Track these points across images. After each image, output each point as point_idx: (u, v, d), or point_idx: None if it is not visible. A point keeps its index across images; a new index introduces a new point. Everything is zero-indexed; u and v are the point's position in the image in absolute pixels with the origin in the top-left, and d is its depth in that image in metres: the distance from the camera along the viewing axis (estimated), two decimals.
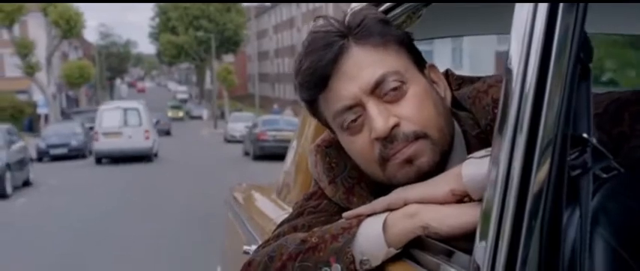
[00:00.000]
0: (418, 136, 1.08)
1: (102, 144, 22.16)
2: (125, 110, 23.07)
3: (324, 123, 1.20)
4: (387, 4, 1.40)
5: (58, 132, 25.06)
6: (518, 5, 0.82)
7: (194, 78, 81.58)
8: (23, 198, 14.30)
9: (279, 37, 70.91)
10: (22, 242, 9.32)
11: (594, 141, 0.76)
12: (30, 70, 33.75)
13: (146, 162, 21.91)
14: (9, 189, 14.26)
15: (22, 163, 15.96)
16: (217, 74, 53.39)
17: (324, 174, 1.23)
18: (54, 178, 17.88)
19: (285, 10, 67.79)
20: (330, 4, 47.32)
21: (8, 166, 14.35)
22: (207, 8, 58.94)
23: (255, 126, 23.36)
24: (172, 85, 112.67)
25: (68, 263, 7.81)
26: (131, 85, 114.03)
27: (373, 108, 1.08)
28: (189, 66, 73.09)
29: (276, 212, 2.04)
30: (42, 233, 9.92)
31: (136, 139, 22.19)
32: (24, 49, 33.39)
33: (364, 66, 1.09)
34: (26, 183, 16.14)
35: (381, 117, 1.07)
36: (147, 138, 22.52)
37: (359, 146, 1.12)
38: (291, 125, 22.48)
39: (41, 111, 33.76)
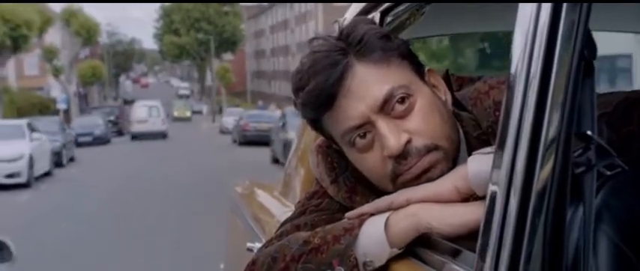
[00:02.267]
0: (430, 149, 1.07)
1: (135, 128, 35.22)
2: (150, 107, 36.33)
3: (328, 137, 1.19)
4: (387, 4, 1.40)
5: (83, 124, 31.54)
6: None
7: (196, 75, 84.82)
8: (74, 168, 20.54)
9: (275, 37, 73.95)
10: (81, 192, 14.56)
11: (597, 138, 0.76)
12: (56, 72, 39.95)
13: (162, 139, 33.45)
14: (65, 161, 20.59)
15: (70, 144, 22.39)
16: (216, 72, 59.25)
17: (325, 173, 1.23)
18: (91, 156, 24.28)
19: (280, 12, 70.75)
20: (320, 9, 52.75)
21: (64, 145, 20.67)
22: (206, 11, 64.15)
23: (241, 119, 29.39)
24: (175, 81, 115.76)
25: (112, 203, 12.59)
26: (135, 81, 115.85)
27: (383, 126, 1.07)
28: (191, 63, 77.96)
29: (278, 209, 2.05)
30: (92, 187, 15.23)
31: (156, 124, 35.05)
32: (50, 54, 39.57)
33: (370, 84, 1.08)
34: (72, 159, 22.40)
35: (393, 135, 1.06)
36: (163, 123, 35.71)
37: (370, 163, 1.12)
38: (270, 118, 28.23)
39: (60, 106, 39.16)
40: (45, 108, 39.48)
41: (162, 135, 34.53)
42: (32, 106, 37.92)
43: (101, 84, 68.41)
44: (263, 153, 20.77)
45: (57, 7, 44.23)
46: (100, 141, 30.88)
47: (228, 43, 65.77)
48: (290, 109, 19.96)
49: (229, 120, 36.70)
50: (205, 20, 64.21)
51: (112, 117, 38.59)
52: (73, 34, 41.71)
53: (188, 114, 55.29)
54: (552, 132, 0.74)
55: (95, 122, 32.27)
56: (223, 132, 36.87)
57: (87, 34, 41.51)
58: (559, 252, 0.75)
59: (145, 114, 35.47)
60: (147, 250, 7.96)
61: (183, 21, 65.49)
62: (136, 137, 34.60)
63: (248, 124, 27.54)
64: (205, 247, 6.72)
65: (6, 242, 2.86)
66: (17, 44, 29.91)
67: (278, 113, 28.93)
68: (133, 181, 16.16)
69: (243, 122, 28.12)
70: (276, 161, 18.69)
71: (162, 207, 11.65)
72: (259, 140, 25.08)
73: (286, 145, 16.73)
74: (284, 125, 18.48)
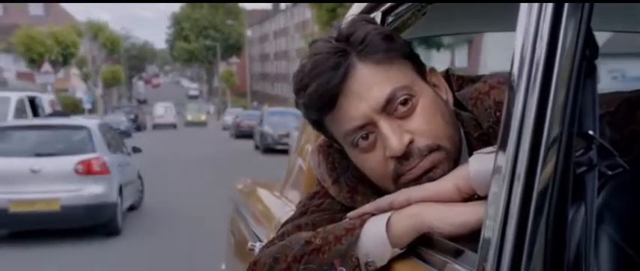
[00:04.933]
0: (432, 149, 1.07)
1: (156, 121, 50.34)
2: (166, 106, 51.50)
3: (330, 138, 1.20)
4: (389, 4, 1.41)
5: (110, 120, 38.96)
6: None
7: (205, 76, 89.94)
8: None
9: (277, 42, 79.56)
10: None
11: (599, 137, 0.76)
12: (85, 77, 47.99)
13: (174, 129, 46.21)
14: None
15: None
16: (221, 76, 66.59)
17: (327, 174, 1.24)
18: None
19: (282, 20, 76.72)
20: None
21: None
22: (214, 20, 71.46)
23: (237, 117, 36.90)
24: (185, 82, 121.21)
25: (148, 169, 13.65)
26: (147, 82, 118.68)
27: (386, 126, 1.07)
28: (200, 66, 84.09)
29: (279, 209, 2.05)
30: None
31: (169, 118, 50.38)
32: (81, 63, 47.52)
33: (373, 84, 1.07)
34: None
35: (395, 135, 1.06)
36: (174, 118, 50.70)
37: (373, 163, 1.12)
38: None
39: (86, 106, 45.01)
40: (75, 107, 46.61)
41: (173, 126, 49.45)
42: (65, 106, 45.10)
43: (118, 86, 75.78)
44: (251, 144, 28.07)
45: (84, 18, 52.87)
46: (125, 134, 38.49)
47: (234, 48, 72.82)
48: (268, 109, 27.26)
49: (229, 118, 43.89)
50: (212, 28, 71.24)
51: (131, 116, 46.40)
52: (100, 45, 50.10)
53: (203, 117, 54.06)
54: (554, 132, 0.74)
55: (120, 119, 39.72)
56: (225, 128, 43.97)
57: (111, 45, 50.16)
58: (560, 252, 0.74)
59: (163, 111, 52.10)
60: (170, 192, 13.37)
61: (192, 28, 72.97)
62: (156, 127, 49.29)
63: (243, 121, 34.39)
64: (206, 194, 12.48)
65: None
66: (66, 60, 38.38)
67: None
68: (157, 159, 21.02)
69: (238, 120, 35.35)
70: (257, 147, 25.89)
71: (179, 172, 17.63)
72: (250, 134, 30.30)
73: (262, 135, 24.10)
74: (261, 121, 24.70)
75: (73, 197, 8.24)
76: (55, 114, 13.33)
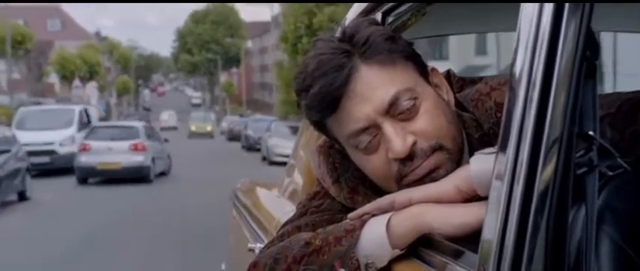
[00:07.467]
0: (435, 149, 1.07)
1: (162, 124, 57.41)
2: (169, 114, 63.35)
3: (332, 139, 1.19)
4: (389, 4, 1.40)
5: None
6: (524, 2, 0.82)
7: (207, 84, 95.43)
8: None
9: (276, 54, 79.51)
10: None
11: (599, 138, 0.76)
12: (102, 89, 55.86)
13: (175, 130, 54.57)
14: None
15: None
16: (222, 86, 73.50)
17: (327, 174, 1.23)
18: None
19: (279, 32, 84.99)
20: None
21: None
22: (215, 34, 78.33)
23: (231, 123, 44.43)
24: (189, 91, 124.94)
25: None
26: (152, 90, 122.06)
27: (389, 128, 1.07)
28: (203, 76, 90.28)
29: (279, 209, 2.04)
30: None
31: (172, 123, 61.19)
32: (99, 77, 55.33)
33: (376, 86, 1.07)
34: None
35: (399, 137, 1.06)
36: (175, 122, 61.85)
37: (376, 165, 1.12)
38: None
39: (100, 114, 53.53)
40: None
41: (175, 128, 58.13)
42: None
43: (128, 95, 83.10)
44: (239, 145, 35.45)
45: (93, 28, 62.29)
46: None
47: (233, 60, 79.65)
48: (254, 116, 34.04)
49: (225, 125, 50.52)
50: (214, 42, 78.07)
51: (143, 122, 54.23)
52: (114, 61, 58.18)
53: (209, 128, 49.23)
54: (554, 133, 0.74)
55: (132, 124, 48.10)
56: (222, 133, 50.42)
57: (124, 61, 58.27)
58: (561, 253, 0.74)
59: (167, 117, 63.62)
60: (182, 169, 20.29)
61: (195, 42, 79.92)
62: (162, 129, 53.09)
63: (235, 127, 41.91)
64: (205, 171, 19.99)
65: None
66: (91, 76, 46.67)
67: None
68: (170, 152, 24.40)
69: (231, 126, 43.18)
70: (243, 147, 33.16)
71: (187, 160, 23.93)
72: (239, 136, 38.19)
73: (246, 138, 31.55)
74: (246, 126, 33.02)
75: (128, 162, 16.71)
76: (101, 119, 20.93)
